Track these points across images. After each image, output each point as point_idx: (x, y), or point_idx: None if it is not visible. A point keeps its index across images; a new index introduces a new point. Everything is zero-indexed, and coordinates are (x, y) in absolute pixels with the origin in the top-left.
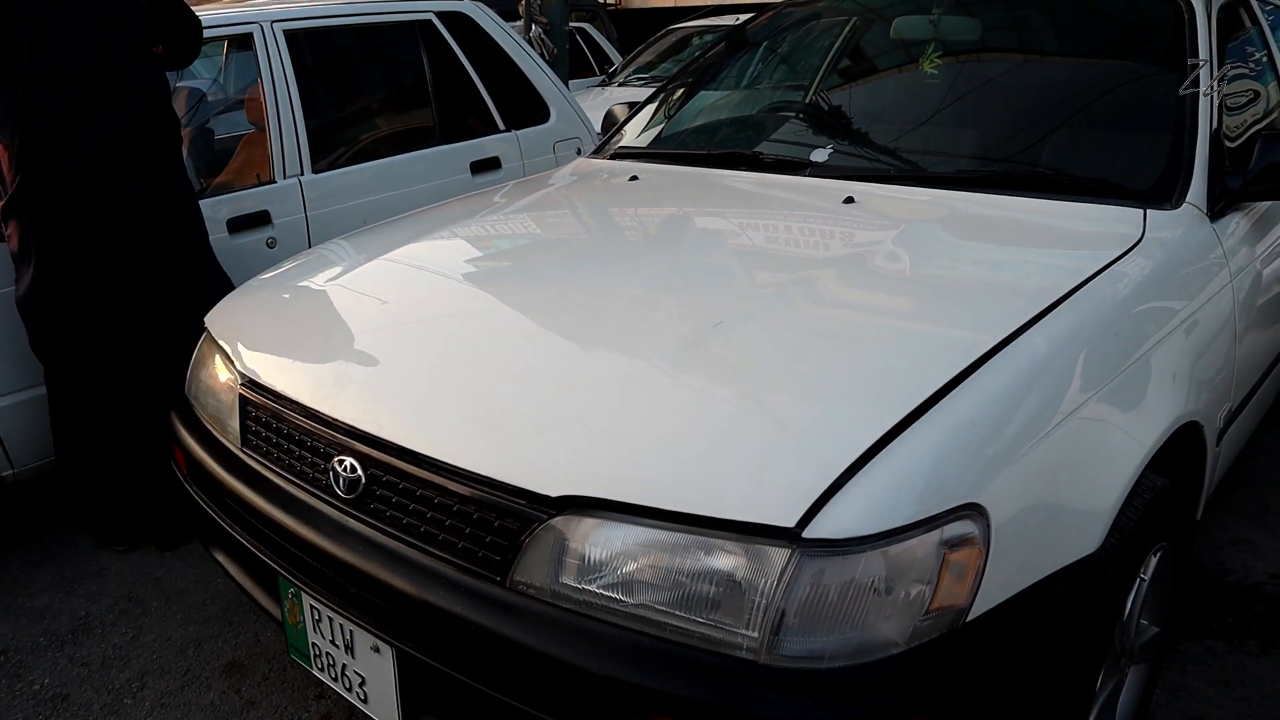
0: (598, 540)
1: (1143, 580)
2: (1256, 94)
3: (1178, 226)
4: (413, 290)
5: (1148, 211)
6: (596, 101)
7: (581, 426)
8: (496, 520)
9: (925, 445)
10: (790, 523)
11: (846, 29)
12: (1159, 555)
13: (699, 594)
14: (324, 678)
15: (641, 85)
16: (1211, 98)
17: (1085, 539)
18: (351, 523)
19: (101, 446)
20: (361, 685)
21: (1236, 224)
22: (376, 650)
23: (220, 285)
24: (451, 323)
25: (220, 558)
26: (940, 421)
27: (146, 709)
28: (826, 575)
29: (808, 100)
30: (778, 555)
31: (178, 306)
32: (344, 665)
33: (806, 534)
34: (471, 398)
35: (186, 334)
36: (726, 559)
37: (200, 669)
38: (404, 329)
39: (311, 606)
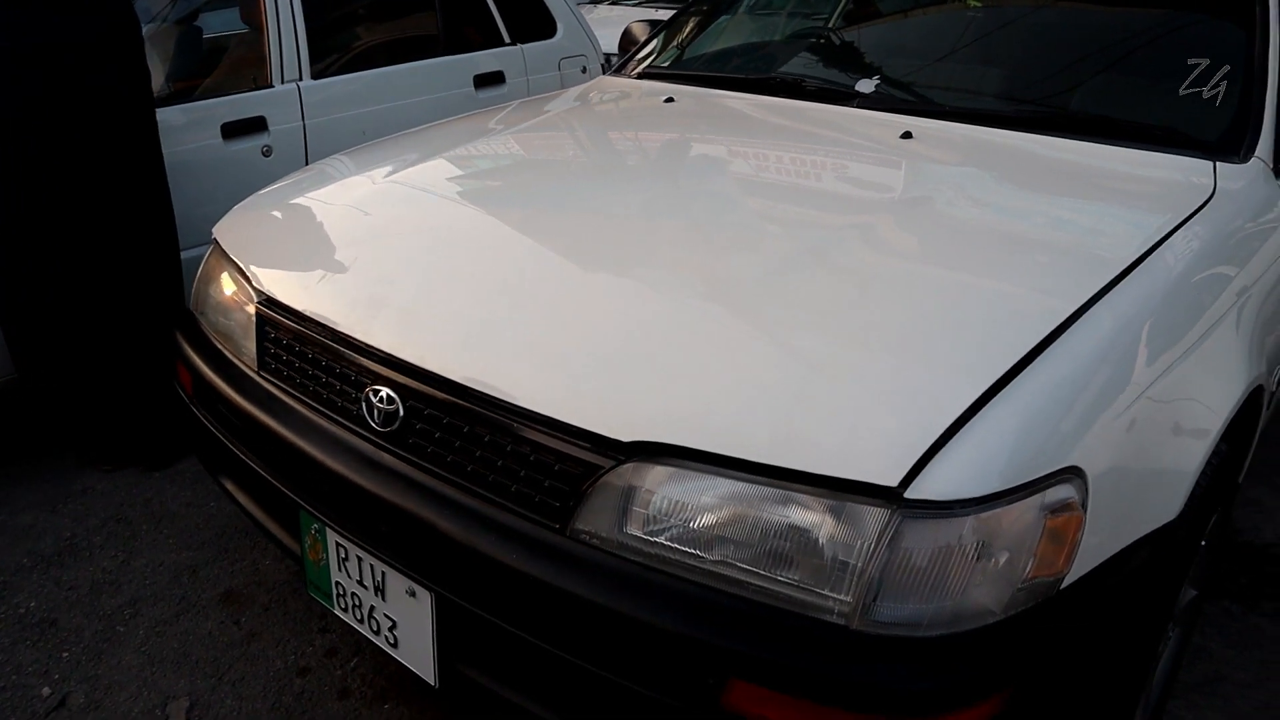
0: (673, 491)
1: (1203, 545)
2: None
3: (1247, 181)
4: (448, 211)
5: (1217, 164)
6: (590, 19)
7: (653, 367)
8: (557, 464)
9: (1026, 404)
10: (893, 482)
11: None
12: (1214, 520)
13: (785, 553)
14: (347, 618)
15: (635, 5)
16: None
17: (1169, 506)
18: (388, 458)
19: (86, 356)
20: (392, 629)
21: None
22: (412, 594)
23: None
24: (497, 249)
25: (229, 487)
26: (1039, 380)
27: (141, 637)
28: (926, 539)
29: (846, 28)
30: (876, 516)
31: (139, 214)
32: (373, 607)
33: (908, 494)
34: (527, 331)
35: (153, 246)
36: (818, 517)
37: (196, 597)
38: (443, 253)
39: (338, 544)
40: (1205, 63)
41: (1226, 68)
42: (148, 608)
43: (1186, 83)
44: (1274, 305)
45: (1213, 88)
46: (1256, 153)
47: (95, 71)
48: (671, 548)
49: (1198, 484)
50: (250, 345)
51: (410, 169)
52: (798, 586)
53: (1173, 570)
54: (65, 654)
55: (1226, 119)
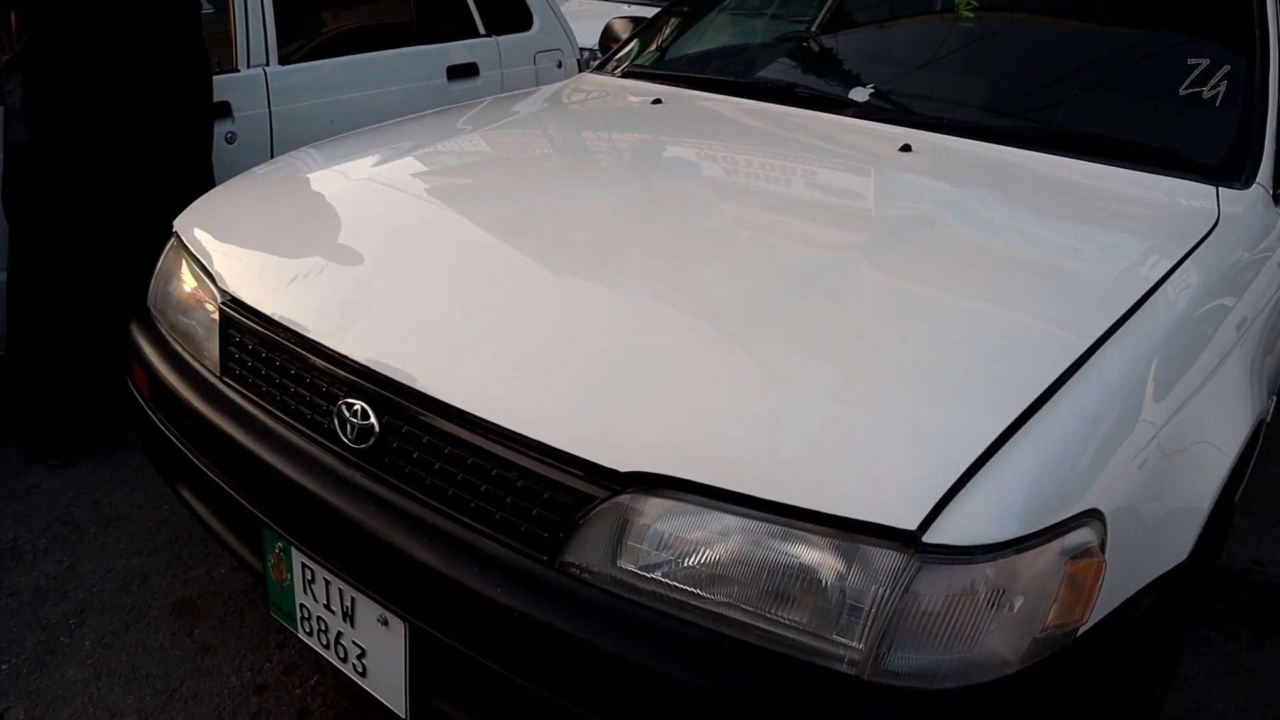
0: (672, 525)
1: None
2: None
3: (1249, 208)
4: (428, 213)
5: (1220, 189)
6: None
7: (652, 392)
8: (546, 492)
9: (1044, 443)
10: (912, 525)
11: None
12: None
13: (792, 595)
14: (312, 643)
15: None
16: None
17: (1180, 547)
18: (361, 477)
19: (60, 345)
20: (360, 657)
21: None
22: (384, 623)
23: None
24: (482, 256)
25: (187, 496)
26: (1057, 417)
27: (86, 649)
28: (943, 585)
29: (838, 32)
30: (893, 560)
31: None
32: (340, 633)
33: (927, 539)
34: (516, 346)
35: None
36: (828, 559)
37: (147, 606)
38: (423, 258)
39: (304, 565)
40: (1207, 86)
41: (1228, 92)
42: (95, 617)
43: (1188, 105)
44: (1270, 336)
45: (1214, 112)
46: (1258, 179)
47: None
48: (669, 585)
49: (1206, 523)
50: (213, 348)
51: (387, 165)
52: (805, 631)
53: (1183, 611)
54: (4, 666)
55: (1228, 143)
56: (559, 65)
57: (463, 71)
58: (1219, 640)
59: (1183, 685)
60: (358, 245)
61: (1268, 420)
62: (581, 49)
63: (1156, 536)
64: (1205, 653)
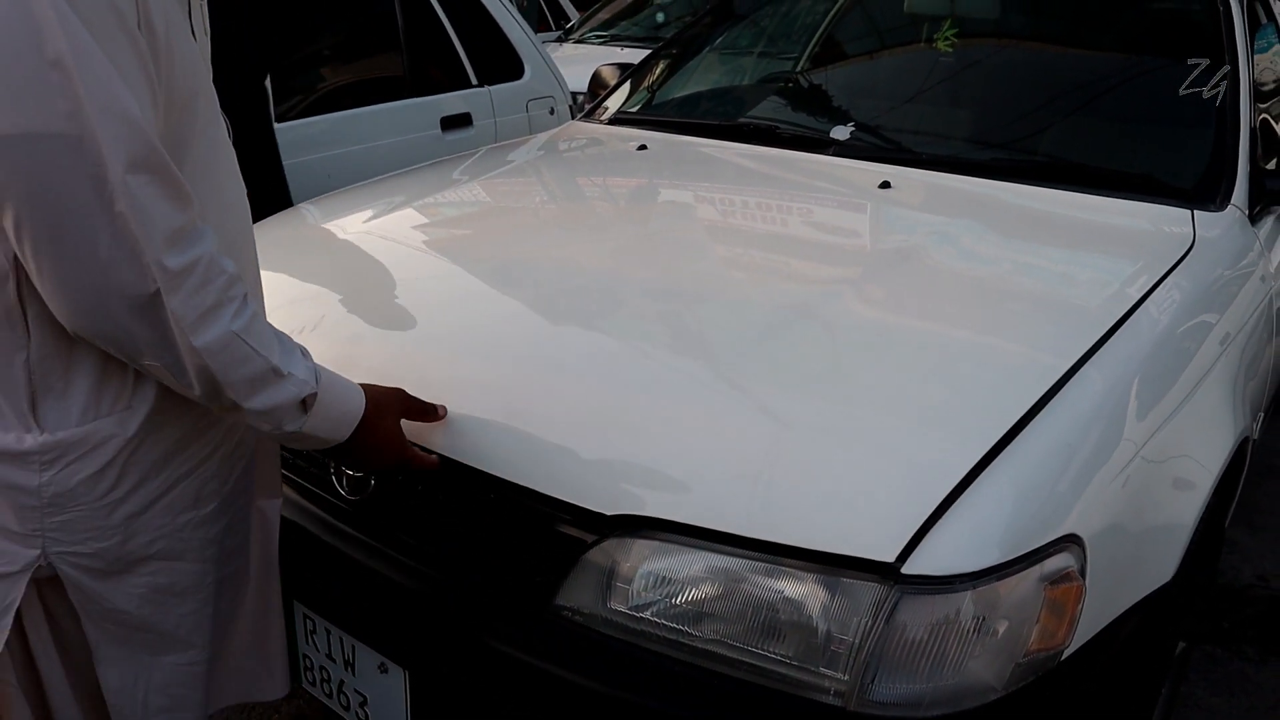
0: (658, 565)
1: (1196, 602)
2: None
3: (1225, 229)
4: (417, 266)
5: (1195, 212)
6: (555, 58)
7: (635, 436)
8: (536, 537)
9: (1023, 469)
10: (890, 557)
11: None
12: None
13: (777, 630)
14: (315, 692)
15: (600, 43)
16: (1251, 93)
17: (1163, 568)
18: (357, 529)
19: None
20: (363, 705)
21: (1269, 227)
22: (384, 670)
23: None
24: (469, 307)
25: None
26: (1035, 443)
27: None
28: (924, 615)
29: (819, 71)
30: (873, 592)
31: None
32: (342, 682)
33: (905, 569)
34: (502, 396)
35: None
36: (810, 592)
37: None
38: (413, 311)
39: (305, 615)
40: (1176, 108)
41: (1200, 115)
42: None
43: (1161, 130)
44: (1253, 353)
45: (1188, 135)
46: (1233, 200)
47: None
48: (658, 624)
49: (1191, 542)
50: None
51: (381, 219)
52: (791, 665)
53: (1169, 631)
54: None
55: (1202, 167)
56: (551, 111)
57: (457, 122)
58: (1224, 657)
59: (1189, 703)
60: (351, 299)
61: (1255, 439)
62: (574, 94)
63: (1139, 557)
64: (1211, 670)
